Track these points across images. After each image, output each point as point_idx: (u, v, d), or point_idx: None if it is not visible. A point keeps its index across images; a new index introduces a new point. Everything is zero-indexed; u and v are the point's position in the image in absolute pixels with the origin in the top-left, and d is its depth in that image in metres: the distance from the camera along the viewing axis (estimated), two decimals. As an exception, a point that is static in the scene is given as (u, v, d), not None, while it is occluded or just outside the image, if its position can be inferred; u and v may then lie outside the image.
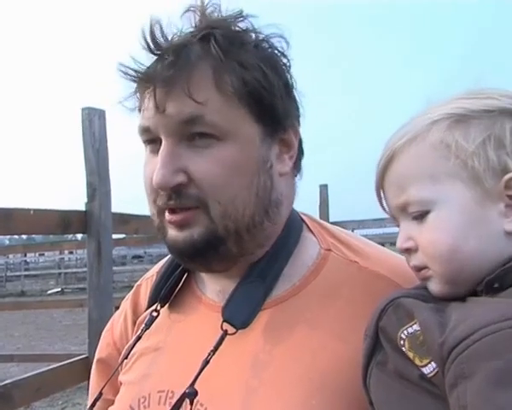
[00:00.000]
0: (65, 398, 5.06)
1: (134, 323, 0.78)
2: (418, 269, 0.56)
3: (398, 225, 0.59)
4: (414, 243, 0.55)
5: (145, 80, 0.62)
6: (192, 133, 0.61)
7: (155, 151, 0.63)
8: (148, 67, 0.62)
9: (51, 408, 5.07)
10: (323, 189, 5.20)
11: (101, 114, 2.41)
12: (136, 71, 0.62)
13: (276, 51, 0.65)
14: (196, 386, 0.59)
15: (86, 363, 2.31)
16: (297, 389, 0.60)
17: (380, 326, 0.55)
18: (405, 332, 0.52)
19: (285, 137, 0.66)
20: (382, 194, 0.60)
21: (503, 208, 0.51)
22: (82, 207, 2.40)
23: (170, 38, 0.62)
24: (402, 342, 0.52)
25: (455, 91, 0.57)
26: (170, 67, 0.60)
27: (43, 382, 2.16)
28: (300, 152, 0.69)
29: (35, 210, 2.12)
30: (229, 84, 0.61)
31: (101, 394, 0.70)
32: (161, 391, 0.66)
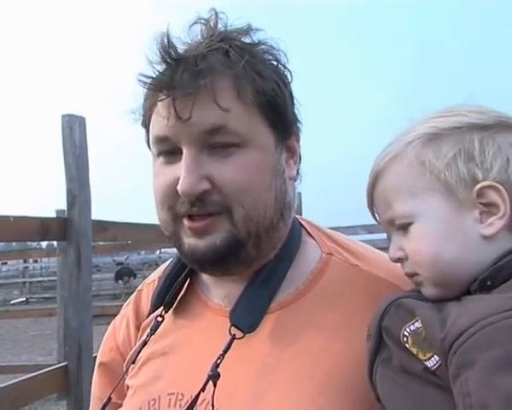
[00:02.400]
0: (33, 410, 4.89)
1: (137, 327, 0.78)
2: (410, 275, 0.59)
3: (390, 238, 0.62)
4: (404, 252, 0.59)
5: (167, 87, 0.60)
6: (213, 143, 0.62)
7: (172, 161, 0.64)
8: (163, 76, 0.61)
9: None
10: (297, 196, 5.24)
11: (81, 121, 2.38)
12: (155, 79, 0.62)
13: (281, 64, 0.67)
14: (206, 389, 0.60)
15: (63, 372, 2.27)
16: (304, 389, 0.61)
17: (383, 326, 0.58)
18: (408, 329, 0.54)
19: (290, 143, 0.69)
20: (374, 210, 0.64)
21: (477, 215, 0.55)
22: (54, 214, 2.35)
23: (186, 48, 0.62)
24: (405, 339, 0.54)
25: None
26: (195, 75, 0.60)
27: (16, 393, 2.09)
28: (299, 159, 0.72)
29: (14, 217, 2.08)
30: (249, 93, 0.62)
31: (109, 399, 0.70)
32: (171, 394, 0.66)
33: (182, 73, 0.60)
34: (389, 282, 0.67)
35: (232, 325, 0.64)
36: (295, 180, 0.72)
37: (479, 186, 0.54)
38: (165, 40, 0.61)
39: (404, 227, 0.58)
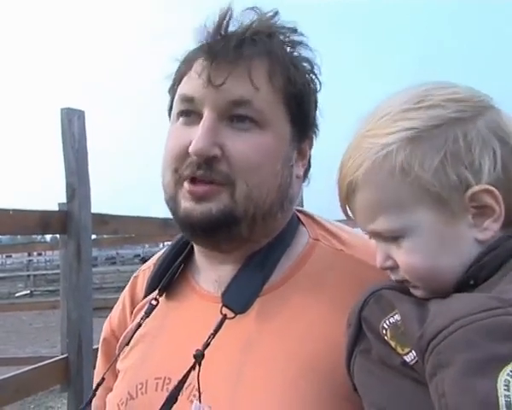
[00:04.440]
0: (37, 401, 4.92)
1: (131, 312, 0.79)
2: (401, 282, 0.57)
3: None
4: (393, 261, 0.56)
5: (211, 51, 0.63)
6: (235, 114, 0.63)
7: (189, 123, 0.65)
8: (209, 43, 0.64)
9: (23, 412, 4.93)
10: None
11: (80, 115, 2.38)
12: (200, 44, 0.65)
13: (313, 73, 0.69)
14: (192, 372, 0.61)
15: (65, 364, 2.28)
16: (285, 371, 0.61)
17: (362, 316, 0.57)
18: (387, 322, 0.53)
19: (303, 146, 0.71)
20: (349, 213, 0.60)
21: (471, 220, 0.52)
22: (56, 208, 2.35)
23: (238, 26, 0.65)
24: (384, 331, 0.53)
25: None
26: (239, 46, 0.62)
27: (20, 383, 2.12)
28: (309, 164, 0.73)
29: (14, 210, 2.08)
30: (281, 79, 0.64)
31: (103, 379, 0.71)
32: (158, 378, 0.67)
33: (226, 42, 0.62)
34: (373, 266, 0.66)
35: (224, 305, 0.64)
36: (303, 181, 0.73)
37: (471, 192, 0.51)
38: (223, 16, 0.64)
39: (393, 239, 0.55)
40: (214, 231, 0.64)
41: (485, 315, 0.43)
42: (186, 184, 0.64)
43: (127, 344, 0.73)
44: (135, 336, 0.72)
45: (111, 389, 0.73)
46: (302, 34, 0.68)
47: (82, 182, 2.36)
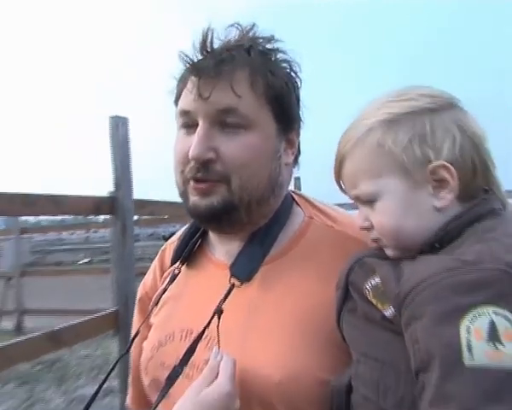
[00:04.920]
0: (96, 343, 5.01)
1: (160, 277, 0.79)
2: (375, 241, 0.57)
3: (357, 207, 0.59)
4: (369, 222, 0.56)
5: (197, 69, 0.61)
6: (225, 120, 0.60)
7: (189, 132, 0.63)
8: (197, 62, 0.61)
9: (86, 350, 5.01)
10: (297, 182, 5.02)
11: (124, 121, 2.36)
12: (192, 61, 0.62)
13: (293, 71, 0.66)
14: (209, 328, 0.60)
15: (115, 315, 2.29)
16: (285, 325, 0.60)
17: (349, 281, 0.56)
18: (369, 284, 0.52)
19: (290, 136, 0.67)
20: (342, 184, 0.60)
21: (431, 190, 0.52)
22: (106, 195, 2.37)
23: (220, 43, 0.62)
24: (367, 292, 0.52)
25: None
26: (219, 63, 0.59)
27: (82, 328, 2.17)
28: (298, 151, 0.71)
29: (74, 196, 2.09)
30: (261, 86, 0.61)
31: (138, 331, 0.71)
32: (182, 330, 0.66)
33: (209, 60, 0.60)
34: (359, 239, 0.65)
35: (232, 275, 0.64)
36: (293, 167, 0.70)
37: (431, 166, 0.51)
38: (206, 36, 0.61)
39: (370, 202, 0.55)
40: (218, 219, 0.63)
41: (450, 274, 0.43)
42: (191, 183, 0.63)
43: (156, 304, 0.73)
44: (162, 297, 0.73)
45: (146, 338, 0.73)
46: (278, 40, 0.65)
47: (125, 174, 2.34)
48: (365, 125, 0.54)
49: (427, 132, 0.52)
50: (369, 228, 0.56)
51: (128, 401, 0.82)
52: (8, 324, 6.72)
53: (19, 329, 6.51)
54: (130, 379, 0.81)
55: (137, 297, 0.82)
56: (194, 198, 0.63)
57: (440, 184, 0.52)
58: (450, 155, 0.51)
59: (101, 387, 0.66)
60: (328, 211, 0.72)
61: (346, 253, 0.60)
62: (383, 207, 0.53)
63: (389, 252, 0.55)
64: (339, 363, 0.56)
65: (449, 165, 0.51)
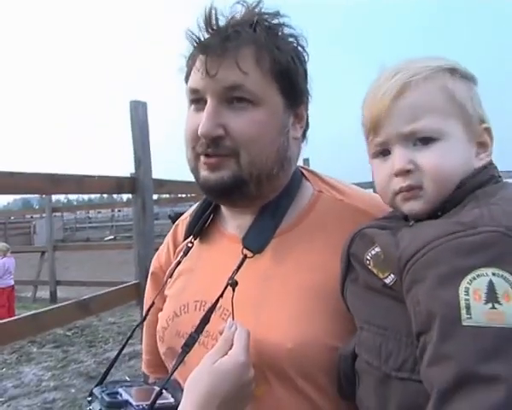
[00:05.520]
0: (121, 311, 5.19)
1: (174, 251, 0.77)
2: (412, 188, 0.49)
3: (386, 152, 0.52)
4: (414, 165, 0.49)
5: (203, 47, 0.59)
6: (232, 97, 0.58)
7: (199, 109, 0.61)
8: (203, 40, 0.59)
9: (112, 318, 5.21)
10: (305, 163, 5.06)
11: (143, 105, 2.35)
12: (198, 39, 0.59)
13: (299, 46, 0.63)
14: (224, 296, 0.59)
15: (137, 286, 2.34)
16: (296, 293, 0.59)
17: (350, 252, 0.55)
18: (370, 254, 0.51)
19: (298, 111, 0.64)
20: (380, 123, 0.50)
21: (475, 150, 0.51)
22: (128, 175, 2.39)
23: (225, 20, 0.59)
24: (368, 262, 0.51)
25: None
26: (224, 40, 0.57)
27: (109, 298, 2.24)
28: (307, 125, 0.67)
29: (98, 176, 2.11)
30: (267, 62, 0.58)
31: (153, 303, 0.70)
32: (196, 301, 0.65)
33: (215, 37, 0.57)
34: (367, 211, 0.63)
35: (244, 247, 0.62)
36: (301, 141, 0.67)
37: (484, 125, 0.51)
38: (209, 14, 0.58)
39: (425, 142, 0.49)
40: (228, 193, 0.61)
41: (450, 238, 0.42)
42: (202, 158, 0.61)
43: (171, 277, 0.72)
44: (176, 270, 0.71)
45: (161, 309, 0.72)
46: (284, 16, 0.61)
47: (145, 155, 2.34)
48: (430, 67, 0.50)
49: (478, 96, 0.52)
50: (411, 171, 0.49)
51: (143, 366, 0.82)
52: (44, 293, 7.06)
53: (53, 298, 6.80)
54: (144, 347, 0.80)
55: (150, 271, 0.81)
56: (204, 173, 0.61)
57: (482, 146, 0.51)
58: (487, 121, 0.52)
59: (119, 353, 0.67)
60: (338, 185, 0.70)
61: (355, 225, 0.58)
62: (445, 148, 0.49)
63: (418, 205, 0.49)
64: (346, 331, 0.55)
65: (492, 130, 0.51)
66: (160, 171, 2.57)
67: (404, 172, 0.50)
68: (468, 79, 0.52)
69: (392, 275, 0.47)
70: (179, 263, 0.70)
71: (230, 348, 0.53)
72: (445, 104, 0.50)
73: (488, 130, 0.52)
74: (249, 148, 0.59)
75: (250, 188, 0.61)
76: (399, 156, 0.50)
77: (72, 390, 3.35)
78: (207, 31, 0.58)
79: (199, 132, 0.58)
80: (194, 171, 0.63)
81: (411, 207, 0.51)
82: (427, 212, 0.50)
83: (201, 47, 0.59)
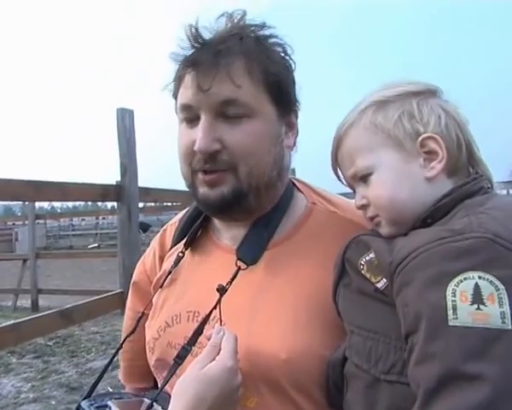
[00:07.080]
0: (105, 321, 5.04)
1: (160, 258, 0.75)
2: (372, 218, 0.55)
3: (354, 192, 0.58)
4: (366, 200, 0.55)
5: (193, 63, 0.57)
6: (227, 111, 0.58)
7: (193, 125, 0.59)
8: (191, 55, 0.58)
9: (95, 327, 5.05)
10: (292, 173, 5.03)
11: (130, 113, 2.34)
12: (185, 58, 0.58)
13: (287, 55, 0.62)
14: (216, 309, 0.58)
15: (122, 295, 2.28)
16: (290, 307, 0.58)
17: (345, 258, 0.55)
18: (364, 259, 0.52)
19: (290, 119, 0.64)
20: (338, 170, 0.59)
21: (422, 162, 0.51)
22: (113, 183, 2.35)
23: (212, 34, 0.58)
24: (361, 267, 0.52)
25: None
26: (215, 54, 0.56)
27: (92, 307, 2.18)
28: (297, 133, 0.66)
29: (83, 184, 2.10)
30: (259, 73, 0.58)
31: (143, 313, 0.69)
32: (189, 311, 0.64)
33: (206, 52, 0.57)
34: (360, 224, 0.62)
35: (238, 258, 0.61)
36: (291, 150, 0.66)
37: (421, 138, 0.51)
38: (194, 29, 0.57)
39: (365, 178, 0.54)
40: (228, 207, 0.60)
41: (439, 243, 0.43)
42: (200, 175, 0.59)
43: (161, 286, 0.69)
44: (167, 280, 0.69)
45: (147, 316, 0.70)
46: (270, 27, 0.61)
47: (131, 163, 2.31)
48: (359, 109, 0.55)
49: (415, 110, 0.52)
50: (366, 206, 0.55)
51: (120, 376, 0.79)
52: (25, 302, 6.78)
53: (34, 307, 6.54)
54: (121, 353, 0.75)
55: (133, 280, 0.78)
56: (203, 189, 0.60)
57: (430, 155, 0.52)
58: (437, 128, 0.52)
59: (108, 365, 0.65)
60: (331, 197, 0.69)
61: (348, 236, 0.58)
62: (378, 179, 0.52)
63: (384, 230, 0.53)
64: (340, 342, 0.55)
65: (437, 136, 0.51)
66: (145, 179, 2.54)
67: (361, 207, 0.56)
68: (403, 97, 0.53)
69: (384, 279, 0.48)
70: (170, 273, 0.68)
71: (218, 354, 0.52)
72: (369, 141, 0.53)
73: (431, 138, 0.51)
74: (247, 160, 0.58)
75: (249, 200, 0.60)
76: (356, 196, 0.57)
77: (53, 402, 3.21)
78: (194, 46, 0.58)
79: (196, 148, 0.57)
80: (192, 186, 0.62)
81: (381, 232, 0.55)
82: (397, 232, 0.52)
83: (191, 63, 0.58)
